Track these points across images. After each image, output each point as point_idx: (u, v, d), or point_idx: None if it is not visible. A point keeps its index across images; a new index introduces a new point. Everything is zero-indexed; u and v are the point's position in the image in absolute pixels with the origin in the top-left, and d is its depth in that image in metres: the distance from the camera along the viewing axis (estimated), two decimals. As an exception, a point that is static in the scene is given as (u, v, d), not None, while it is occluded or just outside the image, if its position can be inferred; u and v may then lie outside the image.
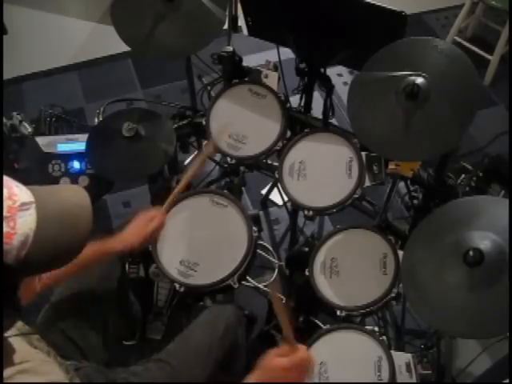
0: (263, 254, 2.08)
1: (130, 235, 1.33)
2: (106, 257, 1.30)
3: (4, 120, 1.95)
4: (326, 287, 1.42)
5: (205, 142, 1.60)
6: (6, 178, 0.76)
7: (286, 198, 1.55)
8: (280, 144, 1.58)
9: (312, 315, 1.58)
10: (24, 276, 0.78)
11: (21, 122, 1.96)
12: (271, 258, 2.09)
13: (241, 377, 1.08)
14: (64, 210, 0.80)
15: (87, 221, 0.81)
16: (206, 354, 1.28)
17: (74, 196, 0.83)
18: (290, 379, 1.05)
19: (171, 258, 1.44)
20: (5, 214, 0.71)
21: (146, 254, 1.49)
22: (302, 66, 1.65)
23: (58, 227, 0.77)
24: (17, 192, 0.75)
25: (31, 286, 1.08)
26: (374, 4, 1.35)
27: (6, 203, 0.72)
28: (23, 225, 0.73)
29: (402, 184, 1.68)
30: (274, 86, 1.68)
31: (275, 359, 1.04)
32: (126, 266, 1.79)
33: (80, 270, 1.23)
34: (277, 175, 1.54)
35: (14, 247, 0.72)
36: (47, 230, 0.75)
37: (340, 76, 2.69)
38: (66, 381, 0.89)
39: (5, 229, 0.71)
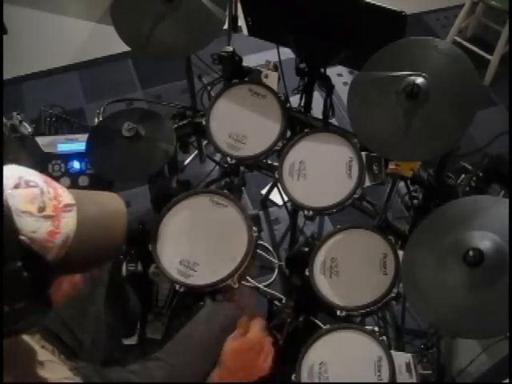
0: (263, 254, 2.08)
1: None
2: None
3: (4, 120, 1.95)
4: (326, 287, 1.42)
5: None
6: (50, 179, 0.80)
7: (286, 198, 1.55)
8: (280, 144, 1.58)
9: (312, 315, 1.58)
10: (59, 275, 0.80)
11: (21, 122, 1.96)
12: (271, 258, 2.09)
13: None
14: (101, 214, 0.84)
15: (123, 226, 0.85)
16: (204, 352, 1.27)
17: (111, 202, 0.88)
18: (250, 362, 1.09)
19: (171, 258, 1.44)
20: (51, 213, 0.74)
21: (145, 253, 1.49)
22: (302, 66, 1.65)
23: (96, 230, 0.82)
24: (61, 193, 0.79)
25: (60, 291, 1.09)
26: (374, 4, 1.35)
27: (52, 203, 0.75)
28: (66, 225, 0.76)
29: (402, 184, 1.68)
30: (274, 86, 1.68)
31: (227, 347, 1.10)
32: (124, 265, 1.80)
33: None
34: (277, 175, 1.54)
35: (56, 246, 0.75)
36: (85, 232, 0.79)
37: (340, 76, 2.69)
38: (76, 378, 0.91)
39: (50, 227, 0.74)
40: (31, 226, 0.71)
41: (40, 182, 0.76)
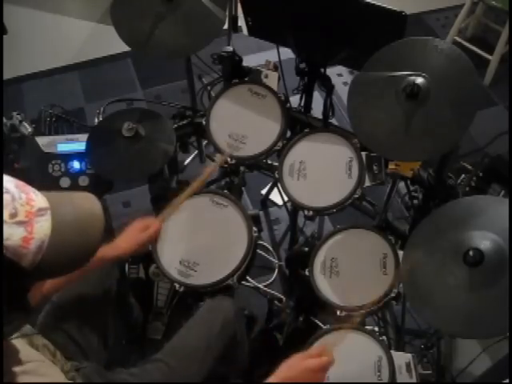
0: (263, 254, 2.08)
1: (124, 242, 1.33)
2: (100, 263, 1.28)
3: (4, 120, 1.95)
4: (326, 287, 1.42)
5: (216, 155, 1.59)
6: (22, 184, 0.77)
7: (286, 198, 1.55)
8: (280, 144, 1.58)
9: (312, 315, 1.58)
10: (37, 280, 0.79)
11: (21, 122, 1.96)
12: (271, 258, 2.09)
13: (241, 373, 1.10)
14: (77, 216, 0.81)
15: (99, 227, 0.83)
16: (204, 352, 1.27)
17: (86, 203, 0.85)
18: (313, 380, 1.09)
19: (171, 257, 1.44)
20: (23, 218, 0.72)
21: (145, 253, 1.49)
22: (302, 66, 1.65)
23: (71, 233, 0.79)
24: (34, 197, 0.76)
25: (38, 290, 1.09)
26: (373, 4, 1.35)
27: (25, 208, 0.73)
28: (40, 230, 0.74)
29: (402, 184, 1.68)
30: (274, 86, 1.68)
31: (305, 360, 1.09)
32: (126, 266, 1.80)
33: (75, 277, 1.22)
34: (277, 175, 1.54)
35: (31, 252, 0.73)
36: (61, 236, 0.76)
37: (340, 76, 2.69)
38: (66, 381, 0.90)
39: (23, 233, 0.72)
40: (3, 233, 0.69)
41: (11, 188, 0.74)
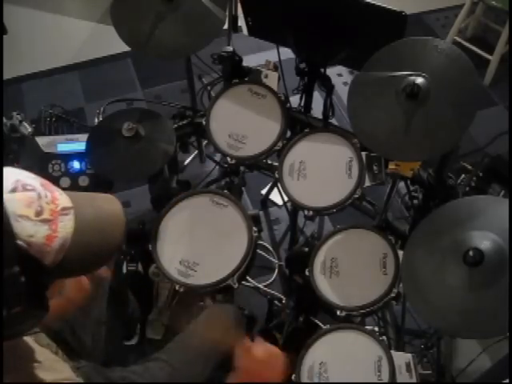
0: (263, 254, 2.08)
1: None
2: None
3: (4, 120, 1.95)
4: (326, 287, 1.42)
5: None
6: (47, 182, 0.78)
7: (286, 198, 1.55)
8: (280, 144, 1.58)
9: (312, 315, 1.58)
10: (57, 278, 0.80)
11: (21, 122, 1.96)
12: (271, 258, 2.09)
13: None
14: (99, 217, 0.83)
15: (120, 228, 0.85)
16: (206, 354, 1.27)
17: (108, 204, 0.87)
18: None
19: (171, 257, 1.44)
20: (48, 216, 0.74)
21: (145, 253, 1.49)
22: (302, 66, 1.65)
23: (93, 233, 0.81)
24: (58, 196, 0.78)
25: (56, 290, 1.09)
26: (373, 4, 1.35)
27: (49, 206, 0.75)
28: (63, 229, 0.75)
29: (402, 184, 1.68)
30: (274, 86, 1.68)
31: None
32: (124, 264, 1.80)
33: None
34: (277, 175, 1.54)
35: (54, 250, 0.74)
36: (83, 236, 0.78)
37: (340, 76, 2.69)
38: (77, 379, 0.90)
39: (47, 232, 0.73)
40: (28, 231, 0.71)
41: (37, 186, 0.75)
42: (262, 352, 1.21)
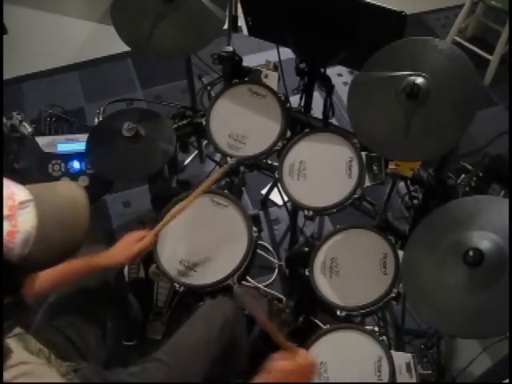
0: (263, 254, 2.08)
1: (117, 253, 1.33)
2: (93, 272, 1.30)
3: (4, 120, 1.95)
4: (326, 287, 1.42)
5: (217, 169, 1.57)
6: (4, 178, 0.77)
7: (286, 198, 1.55)
8: (280, 144, 1.58)
9: (312, 315, 1.58)
10: (27, 273, 0.79)
11: (21, 122, 1.96)
12: (271, 258, 2.09)
13: (240, 373, 1.09)
14: (61, 205, 0.81)
15: (84, 215, 0.83)
16: (203, 351, 1.27)
17: (69, 192, 0.85)
18: (292, 381, 1.08)
19: (171, 257, 1.44)
20: (6, 213, 0.72)
21: (146, 254, 1.49)
22: (302, 66, 1.65)
23: (57, 223, 0.79)
24: (15, 191, 0.76)
25: (32, 287, 1.09)
26: (373, 4, 1.35)
27: (7, 202, 0.73)
28: (24, 223, 0.74)
29: (402, 184, 1.68)
30: (274, 86, 1.68)
31: (279, 362, 1.08)
32: (126, 266, 1.79)
33: (67, 284, 1.24)
34: (277, 175, 1.54)
35: (17, 245, 0.73)
36: (47, 227, 0.76)
37: (340, 76, 2.69)
38: (64, 382, 0.90)
39: (8, 228, 0.72)
40: None
41: None
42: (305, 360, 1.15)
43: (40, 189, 0.81)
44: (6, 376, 0.79)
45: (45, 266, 0.83)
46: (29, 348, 0.94)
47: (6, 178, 0.77)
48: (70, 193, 0.85)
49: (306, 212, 1.48)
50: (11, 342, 0.84)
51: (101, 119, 1.77)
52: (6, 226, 0.72)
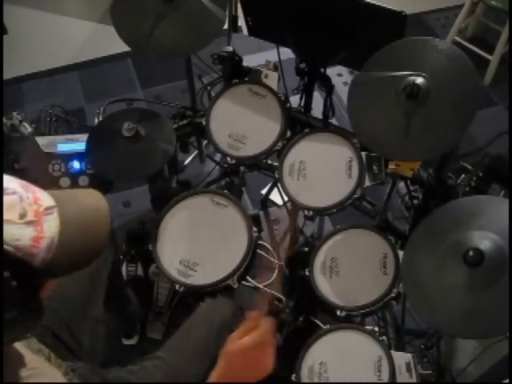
0: (263, 254, 2.08)
1: None
2: None
3: (4, 120, 1.95)
4: (326, 287, 1.42)
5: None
6: (26, 183, 0.77)
7: (286, 198, 1.55)
8: (280, 144, 1.58)
9: (312, 315, 1.58)
10: (48, 278, 0.79)
11: (21, 122, 1.96)
12: (271, 258, 2.09)
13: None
14: (83, 212, 0.82)
15: (106, 222, 0.84)
16: (202, 350, 1.27)
17: (91, 199, 0.86)
18: (256, 360, 1.03)
19: (171, 257, 1.44)
20: (32, 218, 0.73)
21: (145, 253, 1.49)
22: (302, 66, 1.65)
23: (79, 229, 0.80)
24: (40, 196, 0.77)
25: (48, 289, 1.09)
26: (373, 4, 1.35)
27: (33, 207, 0.74)
28: (49, 228, 0.75)
29: (402, 184, 1.68)
30: (274, 86, 1.68)
31: (233, 344, 1.02)
32: (124, 265, 1.80)
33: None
34: (277, 175, 1.54)
35: (42, 250, 0.73)
36: (69, 233, 0.77)
37: (340, 76, 2.69)
38: (67, 382, 0.90)
39: (33, 233, 0.72)
40: (14, 235, 0.70)
41: (17, 188, 0.74)
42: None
43: (62, 195, 0.82)
44: (15, 378, 0.80)
45: (65, 272, 0.83)
46: (30, 347, 0.94)
47: (28, 183, 0.78)
48: (93, 200, 0.86)
49: (305, 212, 1.48)
50: (16, 344, 0.84)
51: (101, 119, 1.77)
52: (32, 231, 0.72)
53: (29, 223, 0.72)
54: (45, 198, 0.77)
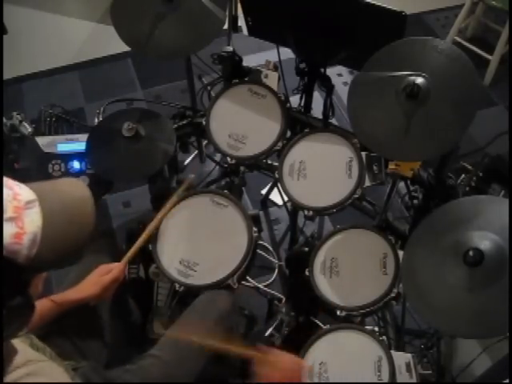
0: (263, 253, 2.08)
1: (86, 286, 1.31)
2: (63, 307, 1.27)
3: (4, 120, 1.95)
4: (326, 287, 1.42)
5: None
6: (5, 179, 0.75)
7: (286, 198, 1.55)
8: (280, 144, 1.58)
9: (312, 315, 1.58)
10: (35, 274, 0.78)
11: (21, 122, 1.96)
12: (271, 258, 2.09)
13: (238, 372, 1.08)
14: (66, 203, 0.80)
15: (90, 212, 0.82)
16: (198, 347, 1.26)
17: (73, 189, 0.84)
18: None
19: (171, 257, 1.44)
20: (12, 214, 0.71)
21: (146, 253, 1.49)
22: (302, 66, 1.65)
23: (63, 221, 0.77)
24: (19, 191, 0.74)
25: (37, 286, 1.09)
26: (373, 4, 1.35)
27: (12, 204, 0.72)
28: (31, 223, 0.73)
29: (402, 184, 1.68)
30: (274, 86, 1.68)
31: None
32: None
33: (36, 326, 1.18)
34: (277, 175, 1.54)
35: (25, 246, 0.72)
36: (53, 226, 0.75)
37: (340, 76, 2.69)
38: (70, 381, 0.89)
39: (14, 229, 0.70)
40: None
41: None
42: (286, 361, 1.19)
43: (43, 187, 0.79)
44: (14, 376, 0.79)
45: (52, 264, 0.81)
46: (33, 345, 0.94)
47: (7, 178, 0.76)
48: (74, 189, 0.84)
49: (305, 212, 1.48)
50: (16, 342, 0.84)
51: (101, 119, 1.77)
52: (13, 228, 0.70)
53: (9, 220, 0.70)
54: (24, 193, 0.75)
